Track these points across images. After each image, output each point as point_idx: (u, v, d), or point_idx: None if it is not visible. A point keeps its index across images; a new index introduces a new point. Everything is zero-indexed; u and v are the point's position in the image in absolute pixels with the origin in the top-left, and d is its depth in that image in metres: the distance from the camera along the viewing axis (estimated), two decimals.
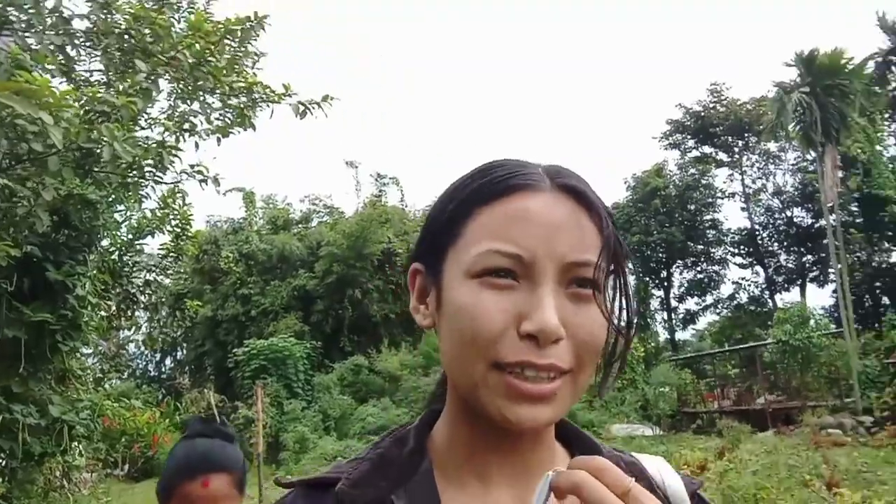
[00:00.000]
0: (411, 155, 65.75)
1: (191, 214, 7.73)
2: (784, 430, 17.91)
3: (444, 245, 0.71)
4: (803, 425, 17.07)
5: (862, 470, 9.52)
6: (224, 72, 5.09)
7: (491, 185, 0.69)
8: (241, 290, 29.09)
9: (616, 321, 0.70)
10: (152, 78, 4.67)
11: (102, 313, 7.34)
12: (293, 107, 5.56)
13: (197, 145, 5.41)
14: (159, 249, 8.30)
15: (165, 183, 5.57)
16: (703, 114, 35.97)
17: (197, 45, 4.83)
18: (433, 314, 0.73)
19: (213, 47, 4.97)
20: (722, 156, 37.39)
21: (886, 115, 30.57)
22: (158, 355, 32.58)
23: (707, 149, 37.34)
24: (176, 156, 5.00)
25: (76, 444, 7.04)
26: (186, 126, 5.39)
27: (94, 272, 6.63)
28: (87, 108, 4.38)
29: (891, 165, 31.80)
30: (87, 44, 4.81)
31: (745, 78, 76.08)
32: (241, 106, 5.32)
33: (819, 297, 37.07)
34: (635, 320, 0.72)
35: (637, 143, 77.85)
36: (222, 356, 27.24)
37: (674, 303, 36.99)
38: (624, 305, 0.71)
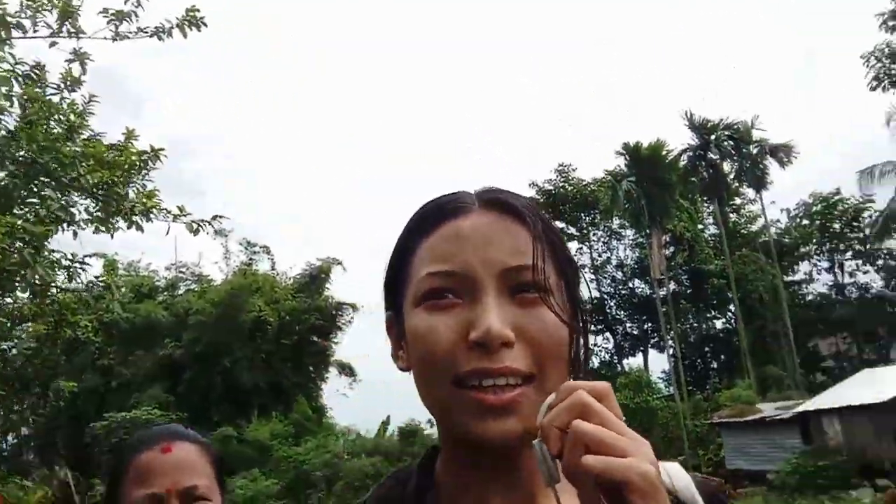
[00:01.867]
0: (281, 222, 65.57)
1: (75, 306, 7.96)
2: None
3: (400, 286, 0.74)
4: None
5: None
6: (125, 193, 5.90)
7: (423, 218, 0.73)
8: (100, 361, 27.79)
9: (568, 319, 0.69)
10: (63, 204, 5.46)
11: None
12: (187, 225, 6.24)
13: (75, 234, 6.01)
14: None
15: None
16: (553, 191, 39.51)
17: (98, 174, 5.66)
18: (406, 356, 0.73)
19: (115, 176, 5.80)
20: (572, 230, 41.07)
21: (704, 200, 35.37)
22: None
23: (559, 223, 40.90)
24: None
25: None
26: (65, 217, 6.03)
27: None
28: (8, 234, 5.04)
29: (711, 242, 36.61)
30: None
31: (588, 158, 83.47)
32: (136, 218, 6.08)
33: (660, 362, 41.14)
34: (587, 316, 0.73)
35: None
36: (77, 430, 25.69)
37: None
38: (572, 301, 0.71)
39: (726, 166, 30.10)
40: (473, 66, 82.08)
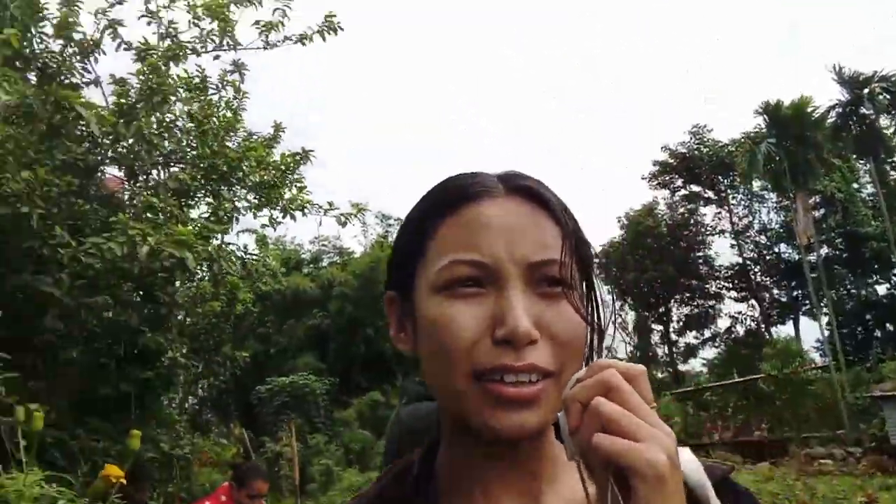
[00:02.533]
0: (415, 192, 67.57)
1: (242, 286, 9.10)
2: (778, 461, 19.19)
3: (412, 268, 0.72)
4: (794, 456, 18.42)
5: (837, 497, 10.85)
6: (283, 192, 6.70)
7: (446, 199, 0.71)
8: (259, 330, 30.45)
9: (589, 316, 0.69)
10: (234, 202, 6.32)
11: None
12: (336, 218, 7.03)
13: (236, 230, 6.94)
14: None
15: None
16: (687, 154, 37.86)
17: (259, 173, 6.43)
18: (412, 339, 0.73)
19: (274, 177, 6.58)
20: (709, 194, 39.20)
21: (857, 158, 32.44)
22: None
23: (695, 187, 39.18)
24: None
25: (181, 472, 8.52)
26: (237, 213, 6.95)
27: (181, 339, 8.15)
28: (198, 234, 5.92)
29: (869, 202, 33.62)
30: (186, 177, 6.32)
31: (724, 120, 78.87)
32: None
33: (813, 331, 38.52)
34: (609, 315, 0.72)
35: (628, 182, 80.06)
36: (244, 393, 28.48)
37: (674, 336, 38.52)
38: (594, 300, 0.71)
39: (883, 121, 27.42)
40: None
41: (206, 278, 6.10)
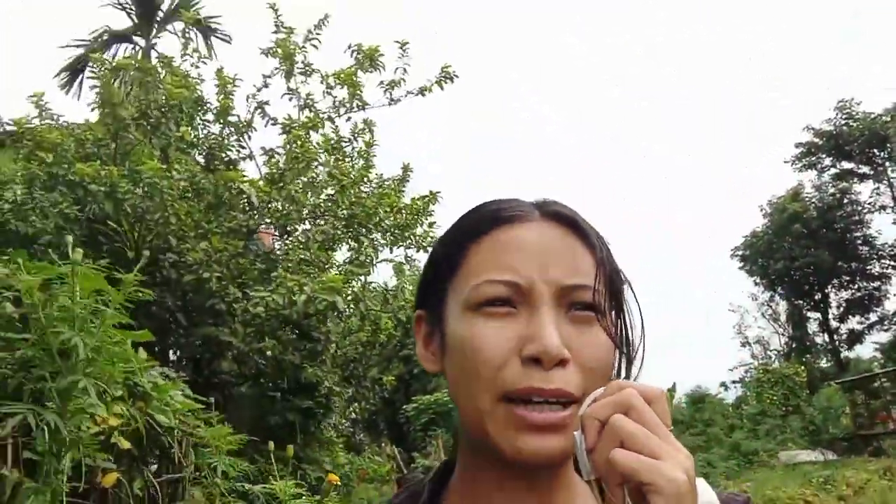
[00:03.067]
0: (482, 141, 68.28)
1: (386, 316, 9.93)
2: None
3: (443, 286, 0.72)
4: None
5: None
6: (415, 231, 7.42)
7: (481, 220, 0.72)
8: (402, 353, 31.93)
9: (621, 343, 0.70)
10: (374, 246, 7.12)
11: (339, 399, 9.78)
12: None
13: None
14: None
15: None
16: (835, 132, 35.26)
17: (394, 217, 7.17)
18: (439, 358, 0.73)
19: (406, 218, 7.31)
20: (864, 169, 36.21)
21: None
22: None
23: (847, 164, 36.38)
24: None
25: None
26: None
27: (333, 369, 9.07)
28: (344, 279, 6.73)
29: None
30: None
31: (870, 93, 72.06)
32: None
33: None
34: (638, 343, 0.72)
35: (766, 169, 75.09)
36: (392, 413, 29.96)
37: (834, 323, 35.81)
38: (624, 328, 0.71)
39: None
40: None
41: (354, 315, 6.91)
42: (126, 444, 2.83)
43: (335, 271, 6.89)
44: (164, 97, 6.28)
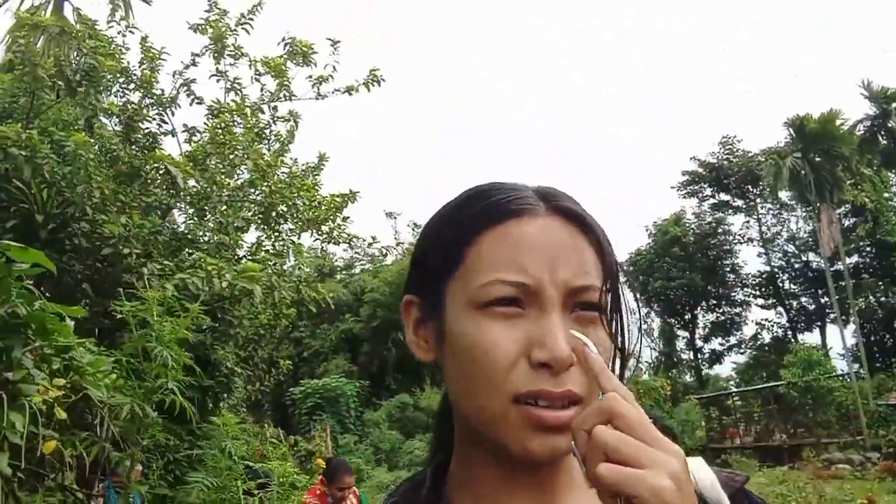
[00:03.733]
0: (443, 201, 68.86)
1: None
2: (798, 465, 19.65)
3: (443, 275, 0.70)
4: (808, 461, 18.89)
5: (845, 499, 11.37)
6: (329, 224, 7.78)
7: (487, 210, 0.70)
8: (293, 334, 31.69)
9: (621, 343, 0.70)
10: (293, 238, 7.37)
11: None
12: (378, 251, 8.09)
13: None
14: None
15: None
16: (716, 164, 38.23)
17: (315, 212, 7.46)
18: (434, 348, 0.72)
19: (325, 213, 7.61)
20: (738, 202, 39.47)
21: (886, 170, 32.57)
22: None
23: (724, 196, 39.51)
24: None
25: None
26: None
27: (235, 350, 9.17)
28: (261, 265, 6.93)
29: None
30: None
31: (753, 130, 78.47)
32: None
33: (841, 338, 38.65)
34: (636, 342, 0.72)
35: (656, 192, 79.99)
36: (279, 394, 29.76)
37: (699, 343, 38.91)
38: (625, 327, 0.71)
39: None
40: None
41: (266, 302, 7.09)
42: (63, 415, 3.00)
43: (244, 254, 7.02)
44: (88, 63, 6.20)
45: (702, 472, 0.73)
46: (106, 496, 5.22)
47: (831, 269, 35.35)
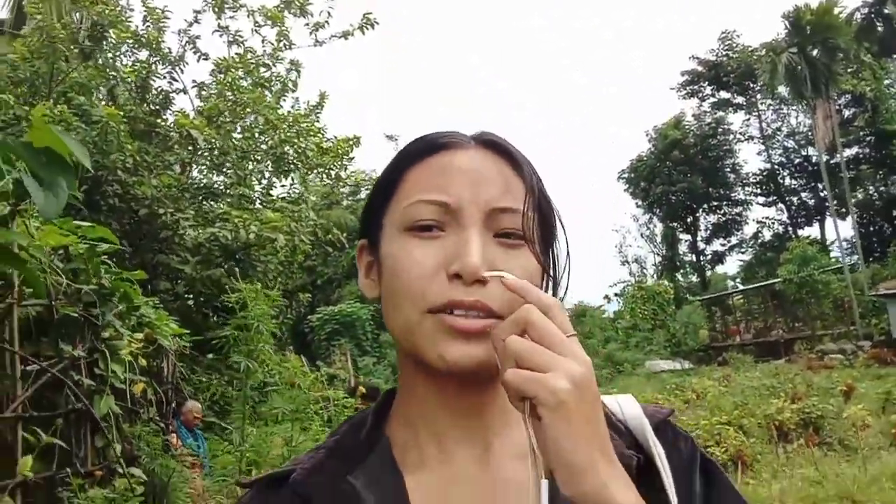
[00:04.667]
0: (448, 125, 68.82)
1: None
2: (793, 357, 20.66)
3: (381, 212, 0.73)
4: (801, 353, 19.89)
5: (831, 387, 12.25)
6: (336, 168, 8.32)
7: (417, 147, 0.72)
8: (305, 263, 32.47)
9: (549, 269, 0.71)
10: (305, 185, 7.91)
11: None
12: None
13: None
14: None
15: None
16: (716, 62, 37.82)
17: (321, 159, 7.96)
18: (377, 283, 0.74)
19: (332, 160, 8.13)
20: (739, 99, 39.27)
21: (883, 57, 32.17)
22: None
23: (724, 94, 39.27)
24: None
25: None
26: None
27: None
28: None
29: None
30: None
31: (753, 24, 76.32)
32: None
33: (842, 229, 39.24)
34: (566, 272, 0.73)
35: (655, 96, 78.87)
36: (295, 323, 30.90)
37: (701, 245, 39.67)
38: (552, 255, 0.73)
39: None
40: None
41: (287, 246, 7.72)
42: (144, 362, 3.66)
43: (258, 196, 7.56)
44: (99, 30, 6.57)
45: (628, 406, 0.76)
46: (178, 433, 6.01)
47: (831, 161, 35.70)
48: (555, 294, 0.73)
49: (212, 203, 6.70)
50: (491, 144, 0.72)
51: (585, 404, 0.56)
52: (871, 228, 35.34)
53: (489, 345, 0.64)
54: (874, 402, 10.81)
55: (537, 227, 0.70)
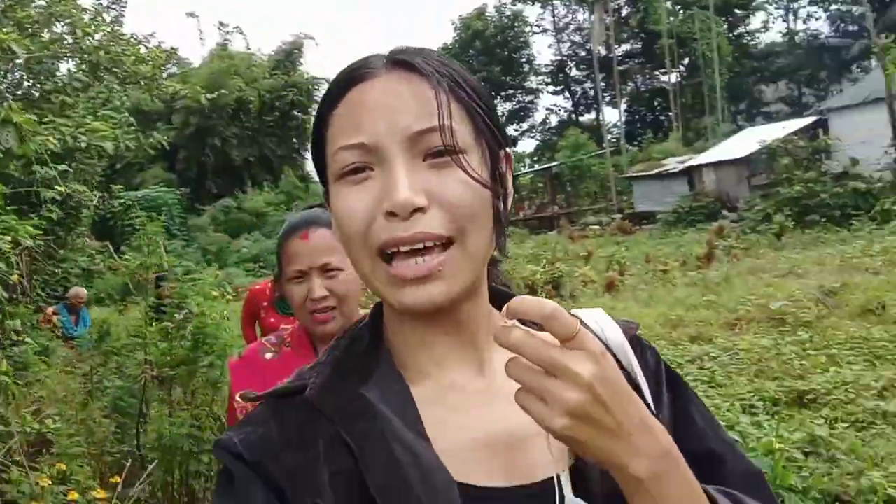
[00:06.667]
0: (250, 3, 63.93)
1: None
2: (566, 229, 24.33)
3: (321, 165, 0.72)
4: (564, 227, 23.64)
5: (584, 254, 15.27)
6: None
7: (333, 88, 0.70)
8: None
9: (483, 179, 0.66)
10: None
11: None
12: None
13: None
14: None
15: None
16: None
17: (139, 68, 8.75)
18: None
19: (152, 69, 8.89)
20: None
21: None
22: None
23: None
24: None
25: None
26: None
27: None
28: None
29: (667, 4, 37.98)
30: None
31: None
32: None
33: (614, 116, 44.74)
34: (506, 178, 0.71)
35: None
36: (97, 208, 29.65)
37: None
38: (490, 161, 0.68)
39: None
40: None
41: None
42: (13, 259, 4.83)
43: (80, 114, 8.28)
44: None
45: (605, 323, 0.76)
46: (59, 312, 7.18)
47: (609, 56, 40.06)
48: (505, 204, 0.70)
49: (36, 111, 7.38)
50: (399, 64, 0.68)
51: (590, 424, 0.57)
52: (636, 116, 40.72)
53: (447, 281, 0.65)
54: (602, 263, 13.98)
55: (472, 135, 0.67)
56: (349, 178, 0.67)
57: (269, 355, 1.64)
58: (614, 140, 34.57)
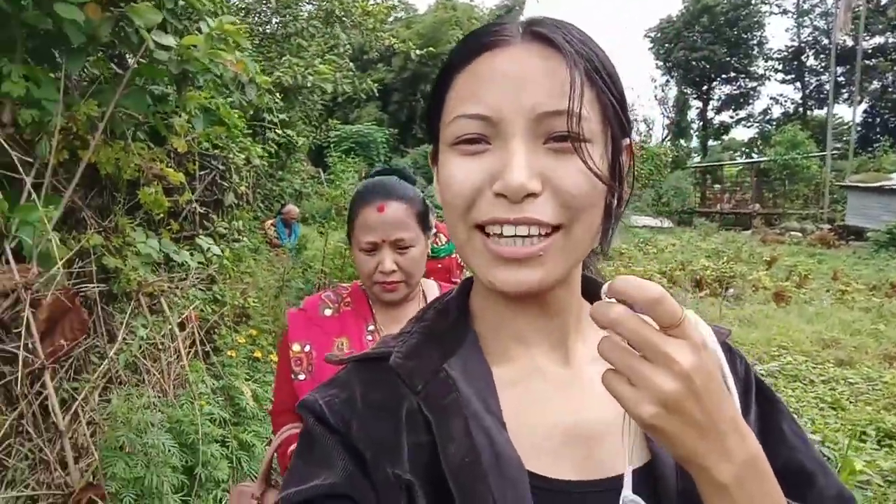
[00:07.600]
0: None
1: None
2: (762, 229, 22.80)
3: (435, 121, 0.71)
4: (758, 228, 22.07)
5: (768, 259, 14.39)
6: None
7: (463, 50, 0.67)
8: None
9: (605, 172, 0.64)
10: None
11: None
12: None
13: None
14: None
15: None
16: None
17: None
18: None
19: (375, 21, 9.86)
20: None
21: None
22: None
23: None
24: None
25: None
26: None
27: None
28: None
29: None
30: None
31: None
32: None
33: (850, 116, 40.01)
34: (625, 170, 0.68)
35: None
36: (317, 136, 32.92)
37: (711, 114, 40.72)
38: (614, 155, 0.66)
39: None
40: None
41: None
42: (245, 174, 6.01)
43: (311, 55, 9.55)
44: None
45: (702, 326, 0.67)
46: (276, 225, 8.91)
47: (855, 48, 35.84)
48: (619, 199, 0.68)
49: (271, 48, 8.70)
50: (536, 36, 0.65)
51: (680, 416, 0.54)
52: (876, 120, 36.28)
53: (545, 266, 0.64)
54: (783, 271, 13.26)
55: (600, 124, 0.64)
56: (463, 148, 0.66)
57: (328, 311, 1.67)
58: (843, 143, 31.30)
